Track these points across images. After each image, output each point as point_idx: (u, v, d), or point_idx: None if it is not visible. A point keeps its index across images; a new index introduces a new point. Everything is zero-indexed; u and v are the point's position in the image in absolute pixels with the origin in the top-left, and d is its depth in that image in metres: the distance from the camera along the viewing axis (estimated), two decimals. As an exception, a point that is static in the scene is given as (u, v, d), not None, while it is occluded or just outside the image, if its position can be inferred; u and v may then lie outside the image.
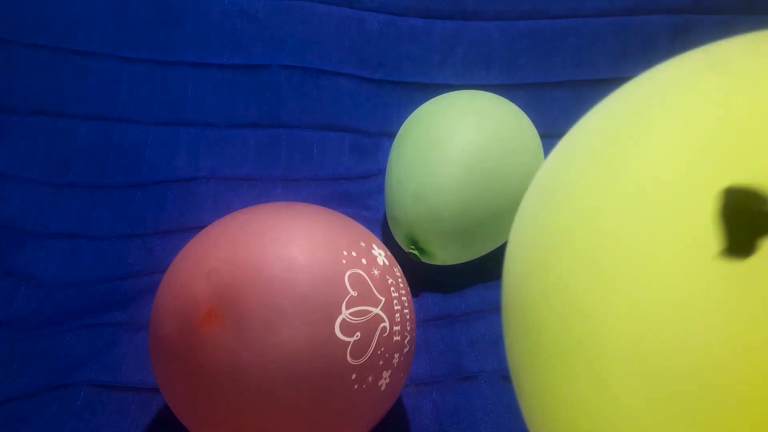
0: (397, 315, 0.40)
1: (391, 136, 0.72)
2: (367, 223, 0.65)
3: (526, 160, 0.57)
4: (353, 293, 0.37)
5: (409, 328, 0.41)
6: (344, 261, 0.38)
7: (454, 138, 0.56)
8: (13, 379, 0.49)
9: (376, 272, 0.39)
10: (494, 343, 0.53)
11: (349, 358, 0.36)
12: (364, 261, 0.39)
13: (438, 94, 0.74)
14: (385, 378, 0.39)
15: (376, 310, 0.38)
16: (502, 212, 0.56)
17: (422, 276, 0.59)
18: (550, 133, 0.66)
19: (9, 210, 0.63)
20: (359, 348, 0.37)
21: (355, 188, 0.69)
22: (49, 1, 0.70)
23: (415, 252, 0.57)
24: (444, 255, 0.57)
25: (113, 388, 0.48)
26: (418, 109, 0.62)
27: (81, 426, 0.46)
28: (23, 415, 0.46)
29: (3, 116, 0.68)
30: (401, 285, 0.42)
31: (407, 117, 0.69)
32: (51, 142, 0.68)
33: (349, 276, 0.37)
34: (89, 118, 0.69)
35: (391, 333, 0.39)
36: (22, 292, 0.56)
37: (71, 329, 0.53)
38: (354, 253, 0.39)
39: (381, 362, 0.38)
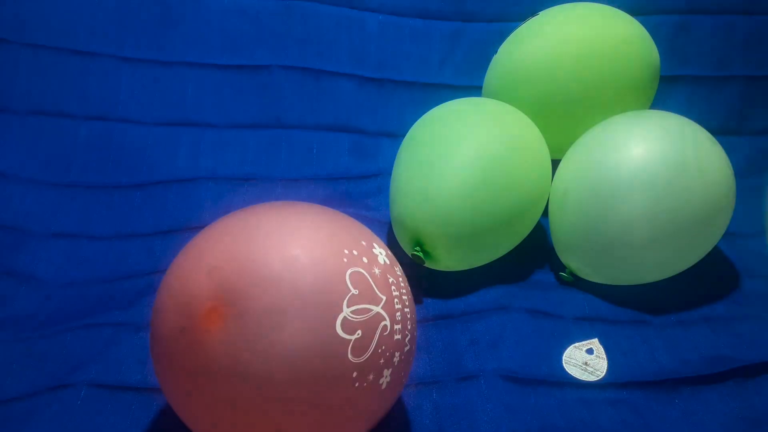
0: (398, 314, 0.39)
1: (391, 136, 0.72)
2: (367, 222, 0.64)
3: (535, 168, 0.57)
4: (354, 291, 0.37)
5: (409, 327, 0.41)
6: (345, 259, 0.38)
7: (466, 142, 0.56)
8: (13, 379, 0.49)
9: (377, 271, 0.39)
10: (494, 343, 0.53)
11: (350, 356, 0.36)
12: (365, 259, 0.39)
13: (438, 94, 0.75)
14: (386, 376, 0.39)
15: (377, 309, 0.38)
16: (510, 219, 0.56)
17: (422, 278, 0.58)
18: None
19: (9, 210, 0.63)
20: (360, 346, 0.37)
21: (355, 188, 0.70)
22: (49, 1, 0.70)
23: (420, 254, 0.57)
24: (449, 260, 0.57)
25: (113, 388, 0.48)
26: (428, 112, 0.62)
27: (81, 426, 0.46)
28: (23, 415, 0.46)
29: (3, 116, 0.68)
30: (402, 284, 0.42)
31: (407, 117, 0.69)
32: (51, 142, 0.68)
33: (350, 274, 0.37)
34: (89, 118, 0.69)
35: (392, 331, 0.39)
36: (22, 292, 0.56)
37: (71, 329, 0.53)
38: (355, 252, 0.39)
39: (382, 360, 0.38)
